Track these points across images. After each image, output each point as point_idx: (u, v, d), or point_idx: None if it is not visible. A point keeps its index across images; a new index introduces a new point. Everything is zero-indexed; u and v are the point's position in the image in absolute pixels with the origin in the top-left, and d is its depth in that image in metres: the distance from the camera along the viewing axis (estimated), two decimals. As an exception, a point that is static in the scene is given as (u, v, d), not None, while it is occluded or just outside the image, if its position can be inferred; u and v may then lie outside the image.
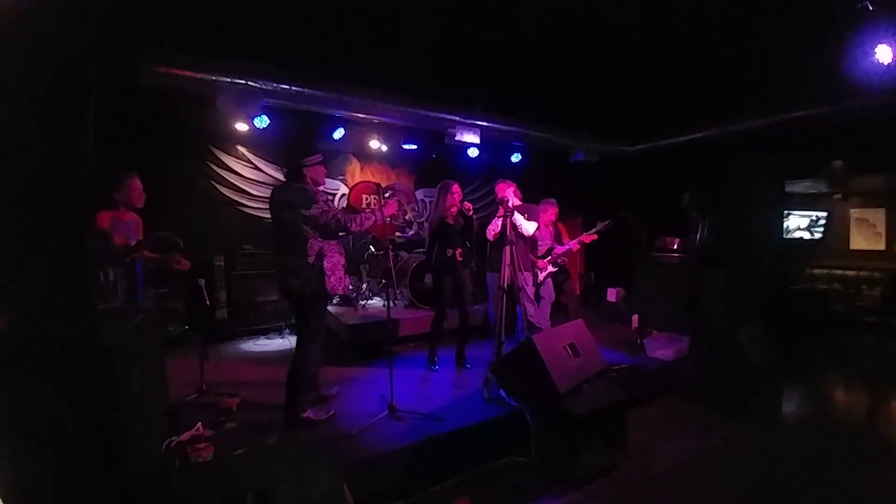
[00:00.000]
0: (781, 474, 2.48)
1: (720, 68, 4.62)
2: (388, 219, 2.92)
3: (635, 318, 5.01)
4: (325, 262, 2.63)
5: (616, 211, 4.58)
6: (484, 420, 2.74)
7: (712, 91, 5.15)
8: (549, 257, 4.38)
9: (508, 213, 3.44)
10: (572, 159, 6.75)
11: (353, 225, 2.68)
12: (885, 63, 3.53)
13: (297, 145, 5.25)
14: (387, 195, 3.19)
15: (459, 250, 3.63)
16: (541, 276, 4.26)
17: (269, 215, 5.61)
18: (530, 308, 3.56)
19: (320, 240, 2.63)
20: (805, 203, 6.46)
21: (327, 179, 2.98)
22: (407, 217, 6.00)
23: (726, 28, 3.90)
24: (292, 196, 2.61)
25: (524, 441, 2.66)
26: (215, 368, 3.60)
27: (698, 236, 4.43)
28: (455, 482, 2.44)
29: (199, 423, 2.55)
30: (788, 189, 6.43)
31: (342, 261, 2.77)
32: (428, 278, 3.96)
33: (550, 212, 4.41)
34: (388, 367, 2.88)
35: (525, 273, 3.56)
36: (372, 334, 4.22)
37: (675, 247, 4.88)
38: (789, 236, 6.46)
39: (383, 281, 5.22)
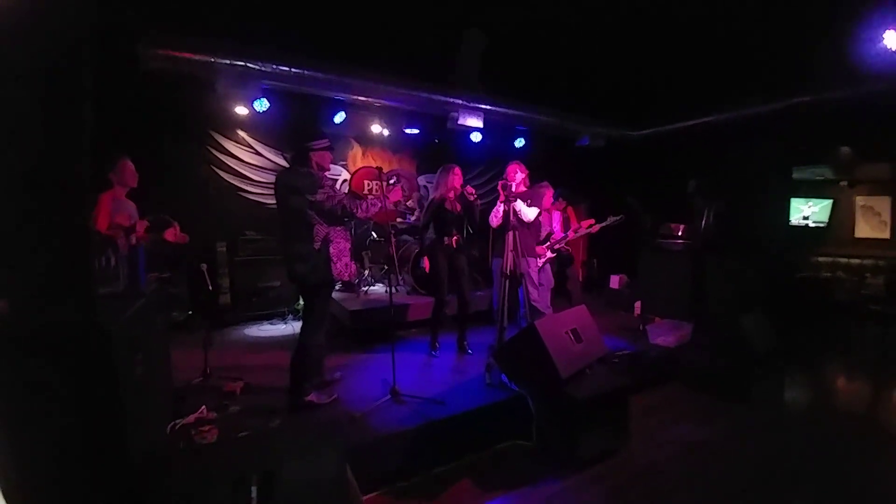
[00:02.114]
0: (783, 461, 2.49)
1: (727, 53, 4.52)
2: (394, 205, 2.89)
3: (638, 304, 5.00)
4: (331, 248, 2.61)
5: (621, 196, 4.51)
6: (486, 404, 2.75)
7: (719, 76, 5.04)
8: (547, 243, 4.35)
9: (510, 199, 3.40)
10: (577, 144, 6.66)
11: (359, 211, 2.65)
12: (894, 49, 3.45)
13: (298, 129, 5.20)
14: (392, 181, 3.15)
15: (456, 237, 3.60)
16: (539, 261, 4.24)
17: (271, 201, 5.55)
18: (533, 292, 3.55)
19: (326, 226, 2.61)
20: (811, 190, 6.38)
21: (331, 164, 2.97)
22: (409, 203, 5.97)
23: (733, 12, 3.80)
24: (297, 181, 2.58)
25: (526, 425, 2.68)
26: (219, 353, 3.62)
27: (703, 223, 4.39)
28: (457, 465, 2.46)
29: (204, 407, 2.56)
30: (795, 176, 6.35)
31: (348, 246, 2.75)
32: (424, 262, 3.93)
33: (546, 196, 4.35)
34: (390, 353, 2.89)
35: (529, 259, 3.54)
36: (374, 320, 4.23)
37: (680, 233, 4.83)
38: (794, 223, 6.41)
39: (385, 267, 5.22)
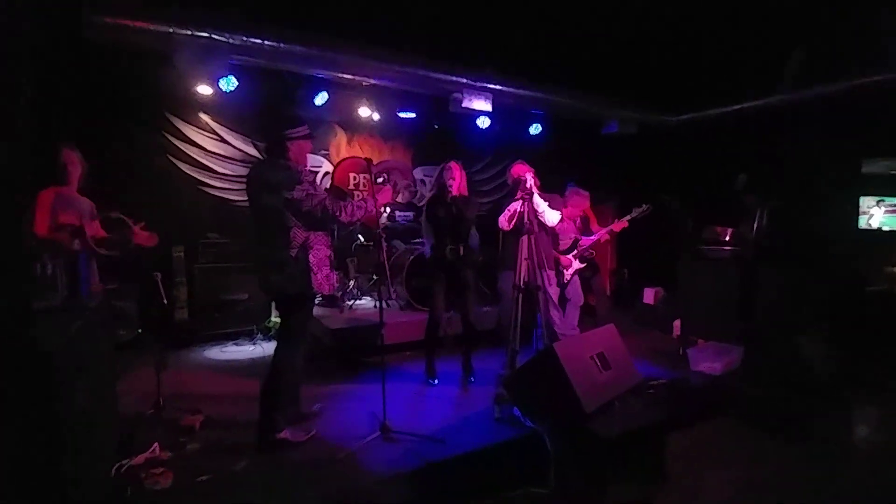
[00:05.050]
0: (850, 512, 2.48)
1: (785, 23, 4.55)
2: (383, 208, 2.94)
3: (677, 323, 5.01)
4: (310, 256, 2.63)
5: (656, 194, 4.54)
6: (494, 443, 2.76)
7: (775, 50, 5.07)
8: (575, 251, 4.37)
9: (526, 196, 3.42)
10: (604, 131, 6.70)
11: (343, 214, 2.68)
12: None
13: (272, 113, 5.24)
14: (379, 180, 3.20)
15: (453, 248, 3.63)
16: (567, 274, 4.26)
17: (238, 197, 5.56)
18: (555, 315, 3.55)
19: (305, 229, 2.64)
20: (885, 187, 6.39)
21: (309, 155, 3.00)
22: (398, 199, 5.99)
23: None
24: (272, 175, 2.61)
25: (542, 469, 2.66)
26: (174, 379, 3.62)
27: (755, 226, 4.41)
28: (459, 517, 2.46)
29: (156, 445, 2.57)
30: (865, 170, 6.36)
31: (329, 254, 2.78)
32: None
33: (579, 205, 4.42)
34: (380, 380, 2.90)
35: (548, 272, 3.55)
36: (361, 341, 4.24)
37: (727, 238, 4.86)
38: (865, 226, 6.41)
39: (374, 277, 5.23)
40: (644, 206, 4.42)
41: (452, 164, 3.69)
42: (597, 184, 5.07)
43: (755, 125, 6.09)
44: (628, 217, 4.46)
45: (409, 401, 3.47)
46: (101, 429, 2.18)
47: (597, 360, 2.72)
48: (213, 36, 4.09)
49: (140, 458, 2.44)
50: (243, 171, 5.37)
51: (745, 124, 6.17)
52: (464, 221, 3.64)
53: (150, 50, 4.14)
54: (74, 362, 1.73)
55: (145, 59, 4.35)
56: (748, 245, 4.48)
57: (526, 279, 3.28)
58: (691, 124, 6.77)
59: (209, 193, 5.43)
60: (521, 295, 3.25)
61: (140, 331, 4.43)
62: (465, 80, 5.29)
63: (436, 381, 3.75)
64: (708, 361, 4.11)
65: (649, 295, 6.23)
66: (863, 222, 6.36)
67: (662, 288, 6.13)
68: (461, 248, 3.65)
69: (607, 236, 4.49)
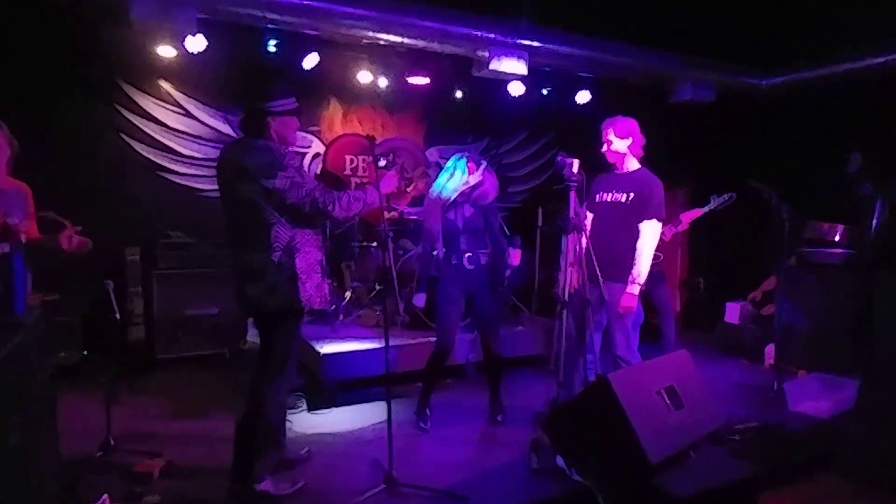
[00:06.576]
0: None
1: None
2: (387, 200, 2.96)
3: (770, 349, 4.95)
4: (297, 260, 2.66)
5: (742, 181, 4.48)
6: (530, 502, 2.75)
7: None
8: None
9: (572, 184, 3.40)
10: (673, 99, 6.63)
11: (337, 208, 2.69)
12: None
13: (249, 80, 5.30)
14: (382, 164, 3.21)
15: (469, 255, 3.66)
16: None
17: (208, 186, 5.64)
18: (621, 341, 3.51)
19: (290, 227, 2.66)
20: None
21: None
22: (409, 189, 6.00)
23: None
24: (249, 158, 2.63)
25: (593, 536, 2.66)
26: (128, 414, 3.70)
27: (874, 221, 4.34)
28: None
29: (106, 496, 2.60)
30: None
31: (320, 258, 2.80)
32: (419, 299, 4.00)
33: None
34: (384, 418, 2.91)
35: (610, 283, 3.48)
36: (360, 368, 4.27)
37: (837, 238, 4.81)
38: None
39: (377, 287, 5.26)
40: (727, 194, 4.35)
41: (471, 164, 3.77)
42: (664, 167, 5.01)
43: (872, 90, 5.96)
44: (707, 208, 4.39)
45: (422, 445, 3.49)
46: (38, 475, 2.22)
47: (665, 397, 2.68)
48: (178, -16, 4.16)
49: (86, 513, 2.49)
50: (214, 153, 5.44)
51: (860, 88, 6.04)
52: (489, 224, 3.70)
53: (98, 2, 4.22)
54: (6, 393, 1.77)
55: (93, 13, 4.44)
56: (866, 246, 4.39)
57: (572, 291, 3.25)
58: (788, 89, 6.65)
59: (171, 181, 5.53)
60: (566, 310, 3.22)
61: (86, 353, 4.51)
62: (493, 35, 5.28)
63: (427, 426, 3.76)
64: (812, 400, 4.08)
65: (733, 312, 6.16)
66: None
67: (751, 302, 6.05)
68: (483, 257, 3.68)
69: (685, 226, 4.44)
